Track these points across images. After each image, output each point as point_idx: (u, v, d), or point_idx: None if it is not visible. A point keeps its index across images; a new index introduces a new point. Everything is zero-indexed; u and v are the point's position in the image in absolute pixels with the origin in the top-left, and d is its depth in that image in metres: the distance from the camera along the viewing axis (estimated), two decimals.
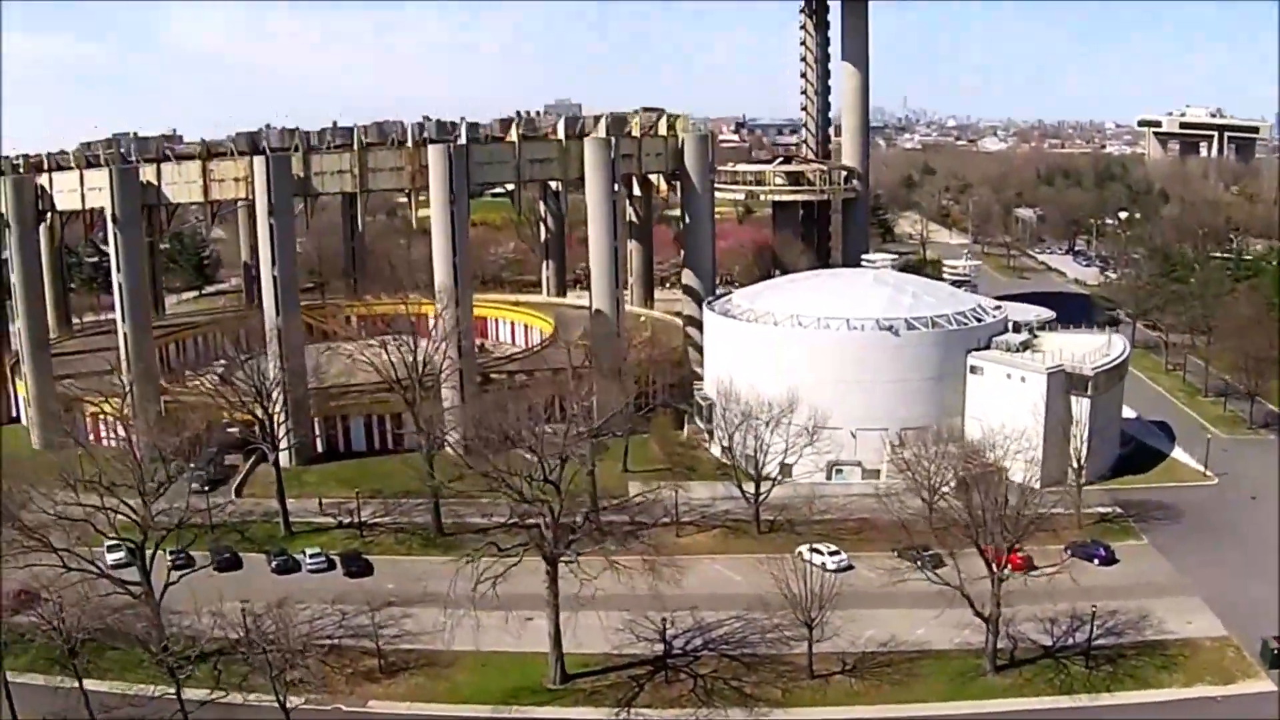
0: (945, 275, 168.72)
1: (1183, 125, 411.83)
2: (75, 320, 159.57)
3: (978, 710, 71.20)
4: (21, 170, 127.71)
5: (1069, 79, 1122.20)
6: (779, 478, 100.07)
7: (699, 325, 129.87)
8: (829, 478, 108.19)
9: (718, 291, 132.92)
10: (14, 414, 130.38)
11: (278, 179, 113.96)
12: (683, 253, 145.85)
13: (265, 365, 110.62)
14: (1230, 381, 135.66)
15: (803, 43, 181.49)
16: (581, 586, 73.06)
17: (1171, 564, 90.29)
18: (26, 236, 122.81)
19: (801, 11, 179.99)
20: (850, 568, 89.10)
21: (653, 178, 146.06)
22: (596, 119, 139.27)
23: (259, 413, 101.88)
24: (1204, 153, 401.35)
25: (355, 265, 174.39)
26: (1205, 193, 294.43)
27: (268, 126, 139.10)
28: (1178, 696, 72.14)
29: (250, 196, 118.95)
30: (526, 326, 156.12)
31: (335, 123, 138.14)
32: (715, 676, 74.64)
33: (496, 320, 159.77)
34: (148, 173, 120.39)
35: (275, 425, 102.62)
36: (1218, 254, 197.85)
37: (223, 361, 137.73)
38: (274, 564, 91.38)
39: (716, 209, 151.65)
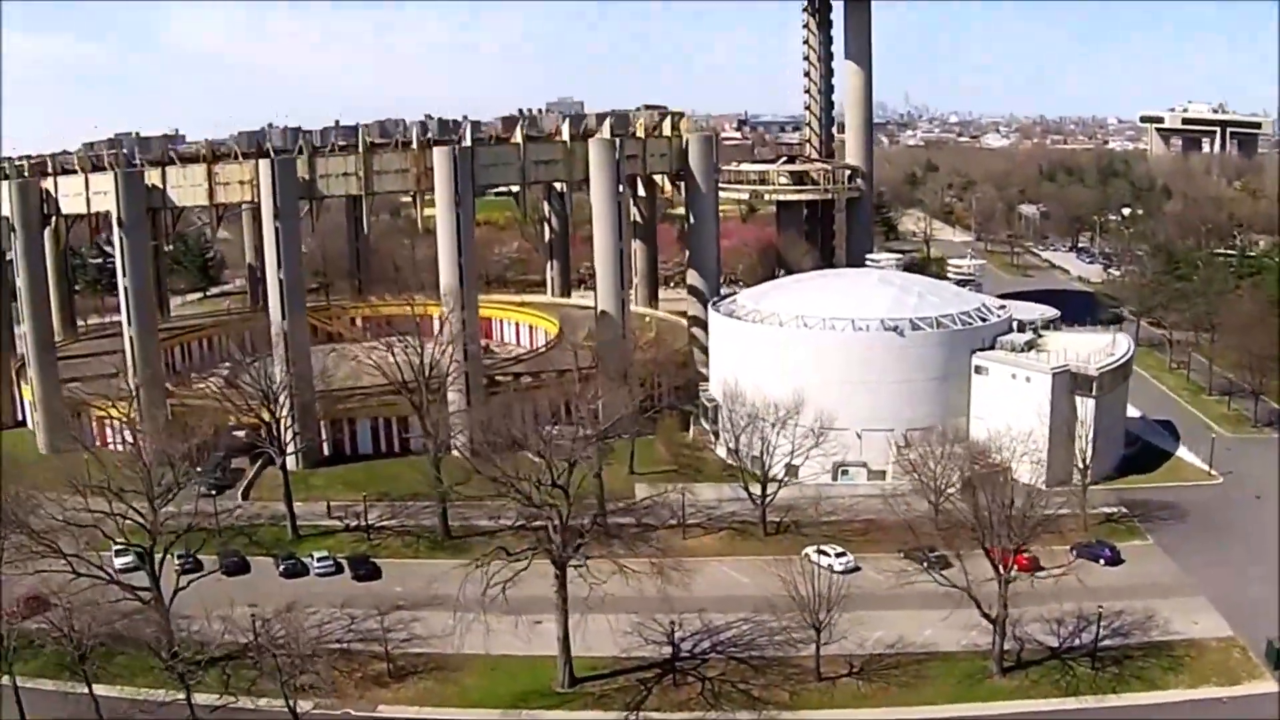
0: (950, 275, 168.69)
1: (1185, 121, 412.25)
2: (80, 322, 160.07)
3: (985, 712, 71.33)
4: (26, 173, 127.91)
5: (1070, 76, 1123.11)
6: (785, 479, 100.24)
7: (704, 325, 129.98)
8: (835, 479, 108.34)
9: (723, 292, 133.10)
10: (19, 417, 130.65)
11: (283, 182, 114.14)
12: (687, 253, 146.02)
13: (271, 368, 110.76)
14: (1234, 380, 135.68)
15: (805, 42, 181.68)
16: (591, 591, 73.33)
17: (1177, 564, 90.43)
18: (32, 240, 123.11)
19: (804, 10, 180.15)
20: (857, 569, 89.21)
21: (657, 178, 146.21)
22: (600, 117, 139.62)
23: (265, 416, 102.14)
24: (1206, 149, 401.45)
25: (360, 266, 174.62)
26: (1208, 189, 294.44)
27: (269, 126, 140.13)
28: (1184, 698, 72.24)
29: (255, 199, 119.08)
30: (531, 327, 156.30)
31: (338, 121, 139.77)
32: (723, 679, 74.84)
33: (501, 321, 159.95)
34: (153, 176, 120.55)
35: (282, 428, 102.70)
36: (1221, 251, 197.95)
37: (228, 364, 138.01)
38: (282, 568, 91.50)
39: (720, 208, 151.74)
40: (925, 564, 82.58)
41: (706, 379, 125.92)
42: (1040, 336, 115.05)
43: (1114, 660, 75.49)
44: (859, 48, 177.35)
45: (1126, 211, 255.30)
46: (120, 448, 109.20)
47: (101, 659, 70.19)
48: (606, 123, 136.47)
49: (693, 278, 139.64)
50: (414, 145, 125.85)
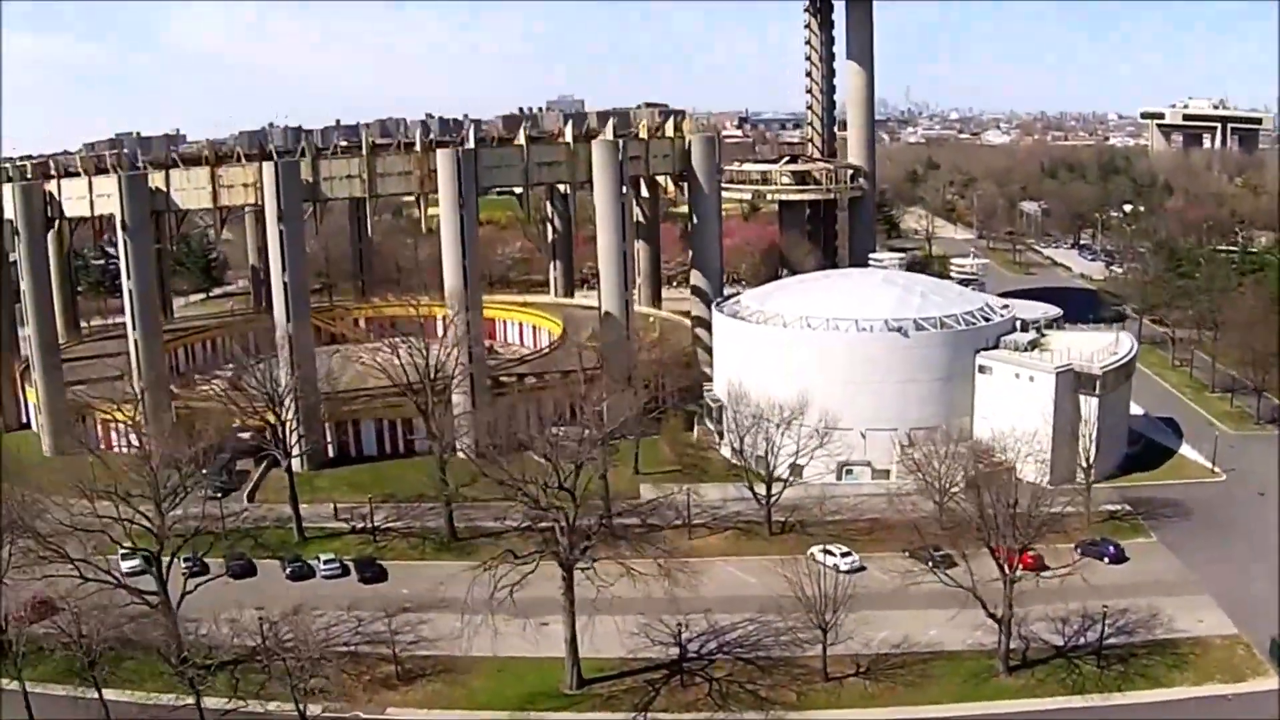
0: (953, 274, 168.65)
1: (1186, 117, 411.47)
2: (84, 325, 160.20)
3: (991, 711, 71.61)
4: (29, 176, 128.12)
5: (1070, 72, 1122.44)
6: (790, 479, 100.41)
7: (707, 325, 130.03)
8: (839, 479, 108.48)
9: (726, 292, 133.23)
10: (24, 420, 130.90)
11: (287, 185, 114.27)
12: (690, 253, 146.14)
13: (276, 370, 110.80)
14: (1237, 377, 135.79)
15: (807, 41, 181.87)
16: (598, 592, 73.54)
17: (1181, 561, 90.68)
18: (35, 243, 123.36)
19: (806, 10, 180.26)
20: (862, 569, 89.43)
21: (660, 178, 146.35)
22: (601, 116, 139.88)
23: (270, 418, 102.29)
24: (1207, 144, 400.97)
25: (363, 267, 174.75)
26: (1209, 185, 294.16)
27: (270, 125, 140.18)
28: (1189, 695, 72.51)
29: (259, 202, 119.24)
30: (535, 327, 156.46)
31: (339, 121, 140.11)
32: (730, 680, 75.10)
33: (505, 321, 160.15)
34: (156, 179, 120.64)
35: (287, 430, 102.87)
36: (1223, 247, 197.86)
37: (232, 366, 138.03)
38: (288, 570, 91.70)
39: (722, 206, 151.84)
40: (930, 563, 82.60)
41: (710, 379, 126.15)
42: (1043, 335, 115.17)
43: (1119, 658, 75.77)
44: (860, 47, 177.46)
45: (1128, 208, 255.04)
46: (125, 450, 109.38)
47: (111, 664, 70.24)
48: (609, 124, 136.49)
49: (696, 278, 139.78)
50: (417, 147, 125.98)
